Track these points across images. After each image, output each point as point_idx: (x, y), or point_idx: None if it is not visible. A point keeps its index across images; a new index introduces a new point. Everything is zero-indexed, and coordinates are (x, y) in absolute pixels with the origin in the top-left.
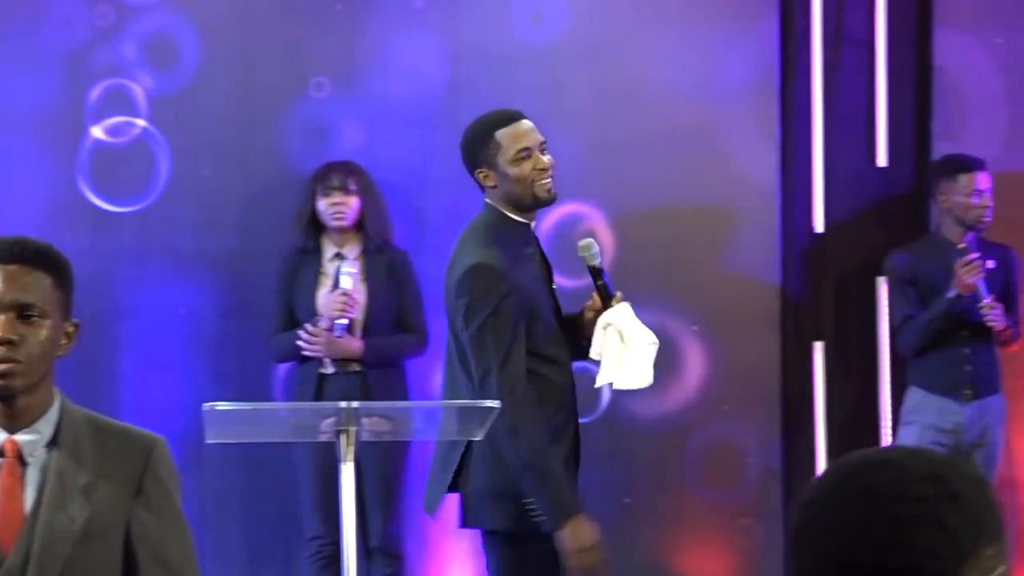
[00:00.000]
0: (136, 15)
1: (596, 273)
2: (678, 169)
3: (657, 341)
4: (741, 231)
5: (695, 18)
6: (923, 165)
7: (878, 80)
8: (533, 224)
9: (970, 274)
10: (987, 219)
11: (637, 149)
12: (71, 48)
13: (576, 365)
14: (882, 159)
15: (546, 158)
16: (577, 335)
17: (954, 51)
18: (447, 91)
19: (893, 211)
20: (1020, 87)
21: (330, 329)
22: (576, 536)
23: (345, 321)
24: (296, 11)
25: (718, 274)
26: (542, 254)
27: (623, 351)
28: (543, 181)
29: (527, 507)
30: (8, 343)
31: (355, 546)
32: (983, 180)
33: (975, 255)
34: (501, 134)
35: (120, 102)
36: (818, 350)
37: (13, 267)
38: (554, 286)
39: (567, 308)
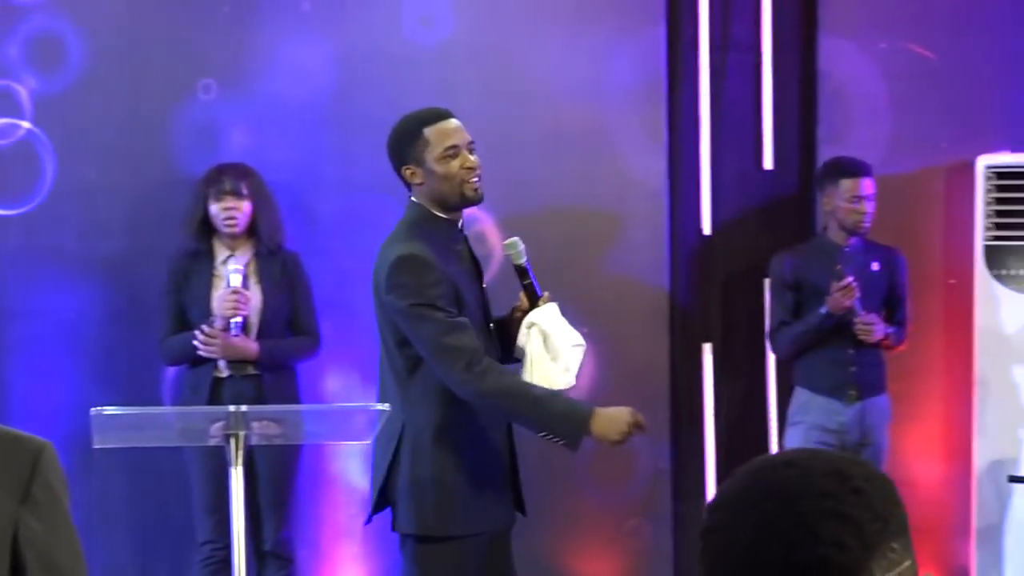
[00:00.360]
0: (21, 15)
1: (522, 272)
2: (567, 171)
3: (583, 343)
4: (630, 233)
5: (584, 22)
6: (808, 168)
7: (764, 84)
8: (460, 223)
9: (845, 297)
10: (867, 224)
11: (526, 151)
12: None
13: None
14: (768, 162)
15: (473, 157)
16: (508, 337)
17: (839, 57)
18: (335, 93)
19: (779, 213)
20: (903, 92)
21: (226, 329)
22: (605, 430)
23: (240, 319)
24: (183, 13)
25: (607, 276)
26: (471, 253)
27: (544, 352)
28: (471, 180)
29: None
30: None
31: (245, 550)
32: (865, 186)
33: (850, 279)
34: (430, 131)
35: (4, 104)
36: (706, 351)
37: None
38: (484, 286)
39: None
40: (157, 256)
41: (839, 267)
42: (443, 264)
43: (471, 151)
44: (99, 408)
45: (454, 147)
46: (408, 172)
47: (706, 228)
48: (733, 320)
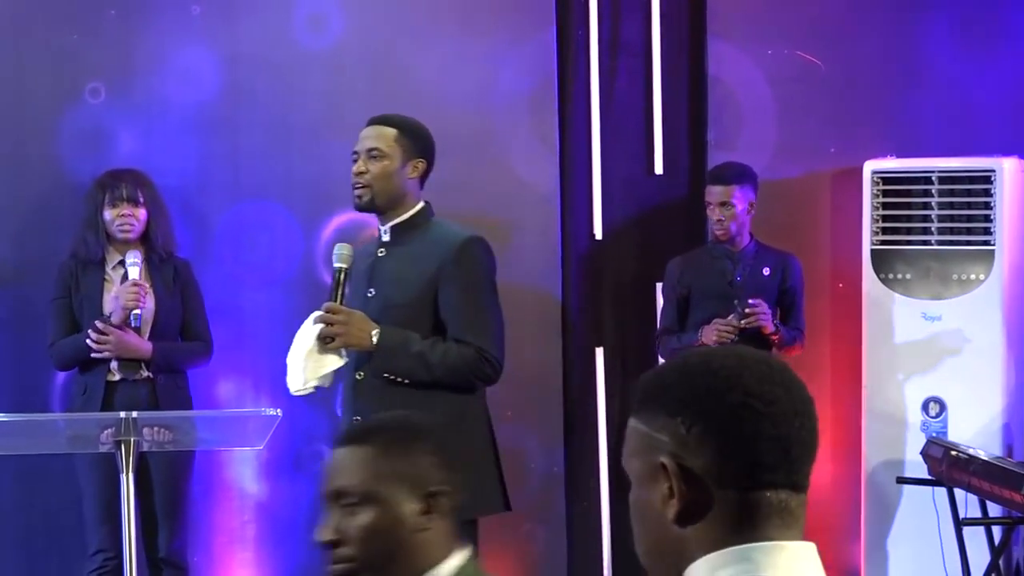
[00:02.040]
0: None
1: (336, 274)
2: (458, 176)
3: (297, 355)
4: (521, 238)
5: (473, 26)
6: (698, 173)
7: (654, 89)
8: (383, 227)
9: (720, 335)
10: (718, 232)
11: None
12: None
13: None
14: (659, 167)
15: (358, 166)
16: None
17: (727, 62)
18: (224, 97)
19: (670, 218)
20: (790, 97)
21: (126, 322)
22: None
23: (139, 311)
24: (69, 16)
25: (500, 281)
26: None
27: (291, 352)
28: (353, 186)
29: None
30: None
31: (137, 558)
32: (721, 193)
33: (731, 320)
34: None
35: None
36: (599, 355)
37: None
38: (370, 293)
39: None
40: (43, 263)
41: (739, 309)
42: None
43: (369, 158)
44: None
45: (354, 153)
46: None
47: (598, 233)
48: (625, 324)
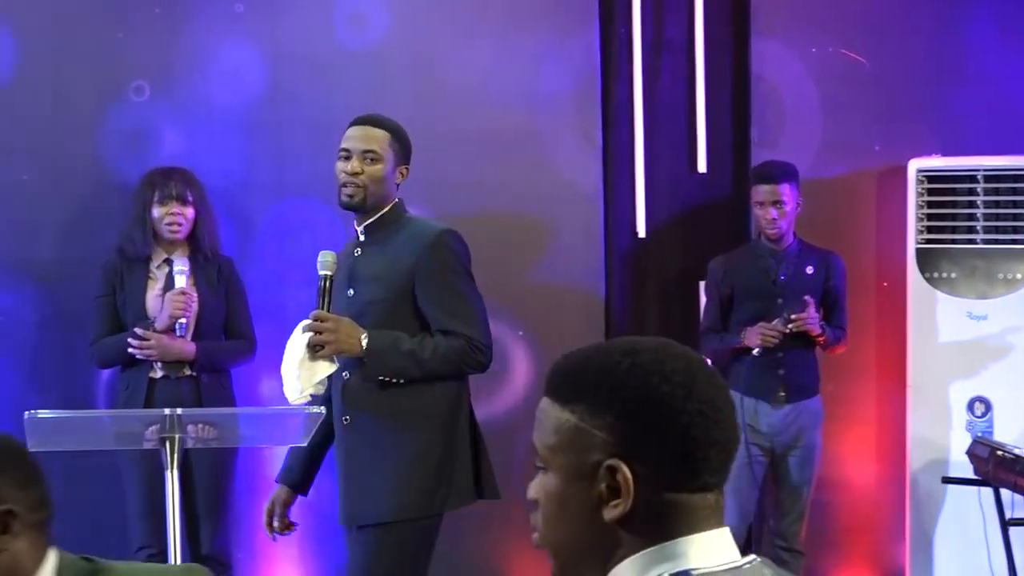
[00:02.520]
0: None
1: (321, 281)
2: (502, 175)
3: (294, 363)
4: (565, 236)
5: (516, 25)
6: (742, 171)
7: (698, 88)
8: (358, 227)
9: (764, 338)
10: (775, 230)
11: (460, 155)
12: None
13: None
14: (702, 165)
15: (352, 165)
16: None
17: (770, 60)
18: (268, 95)
19: (713, 216)
20: (835, 96)
21: (171, 329)
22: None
23: (184, 320)
24: (114, 14)
25: (542, 279)
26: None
27: (284, 363)
28: (343, 185)
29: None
30: None
31: (182, 554)
32: (771, 192)
33: (777, 324)
34: (346, 133)
35: None
36: None
37: None
38: (350, 293)
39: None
40: (88, 259)
41: (784, 314)
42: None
43: (364, 159)
44: (33, 412)
45: (345, 151)
46: None
47: (641, 231)
48: (668, 323)
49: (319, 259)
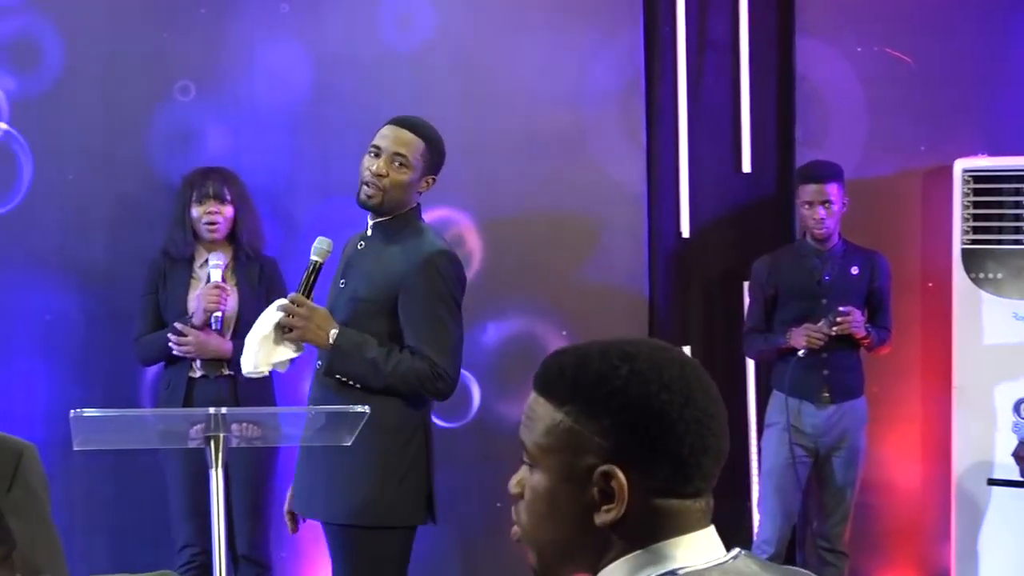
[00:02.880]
0: None
1: (309, 266)
2: (546, 175)
3: (255, 341)
4: (609, 235)
5: (561, 24)
6: (786, 171)
7: (742, 87)
8: (370, 221)
9: (809, 340)
10: (822, 230)
11: (504, 154)
12: None
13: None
14: (747, 165)
15: (380, 165)
16: None
17: (815, 59)
18: (313, 96)
19: (758, 216)
20: (880, 95)
21: (207, 324)
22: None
23: (219, 314)
24: (161, 14)
25: (586, 279)
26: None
27: (250, 334)
28: (366, 182)
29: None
30: None
31: (226, 553)
32: (818, 191)
33: (822, 327)
34: (380, 130)
35: None
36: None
37: None
38: (341, 283)
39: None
40: (134, 258)
41: (830, 316)
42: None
43: (392, 163)
44: (79, 410)
45: (376, 148)
46: None
47: (685, 231)
48: (712, 323)
49: (314, 244)
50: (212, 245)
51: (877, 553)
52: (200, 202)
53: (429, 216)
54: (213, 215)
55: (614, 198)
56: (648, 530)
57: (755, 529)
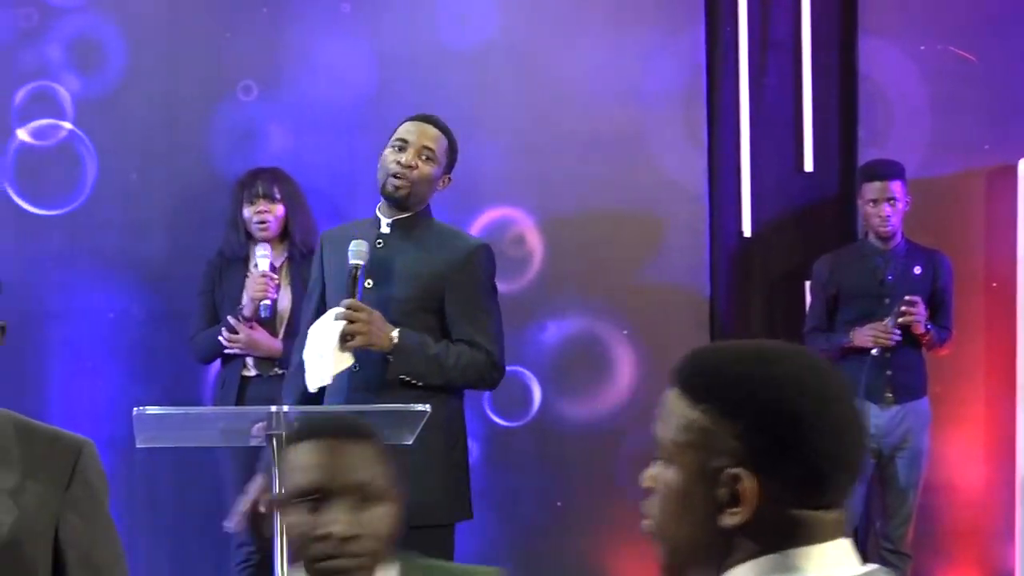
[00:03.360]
0: (61, 16)
1: (353, 271)
2: (606, 174)
3: (325, 351)
4: (670, 235)
5: (622, 23)
6: (848, 171)
7: (804, 86)
8: (385, 219)
9: (874, 339)
10: (887, 228)
11: (565, 153)
12: None
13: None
14: (809, 164)
15: (409, 158)
16: None
17: (878, 58)
18: (373, 95)
19: (820, 216)
20: (944, 94)
21: (256, 312)
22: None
23: (268, 302)
24: (223, 14)
25: (648, 278)
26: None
27: (306, 353)
28: (394, 174)
29: None
30: None
31: (288, 553)
32: (882, 189)
33: (887, 324)
34: (402, 126)
35: (46, 105)
36: None
37: None
38: (368, 284)
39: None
40: (196, 256)
41: (893, 315)
42: (334, 251)
43: (420, 156)
44: (141, 408)
45: (402, 140)
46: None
47: (747, 230)
48: (774, 323)
49: (352, 248)
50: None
51: (940, 554)
52: (251, 202)
53: (490, 215)
54: (263, 214)
55: (675, 198)
56: (777, 537)
57: None
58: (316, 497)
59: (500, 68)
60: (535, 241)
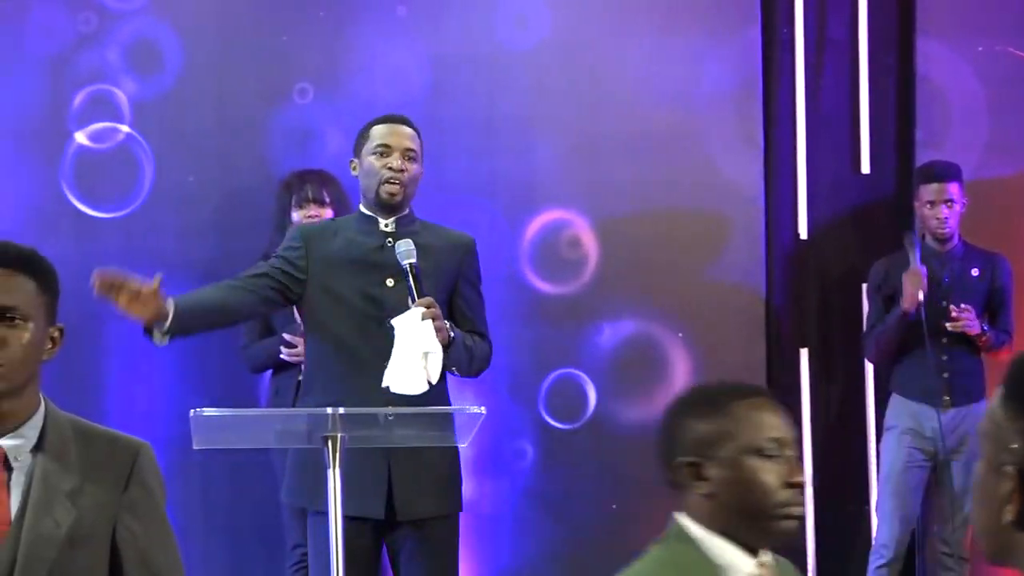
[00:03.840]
0: (119, 21)
1: (405, 273)
2: (662, 174)
3: (435, 349)
4: (726, 237)
5: (678, 23)
6: (905, 172)
7: (861, 87)
8: (385, 222)
9: (912, 284)
10: (943, 230)
11: (620, 154)
12: (55, 53)
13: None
14: (865, 166)
15: (398, 163)
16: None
17: (935, 59)
18: (429, 96)
19: (876, 217)
20: (1000, 94)
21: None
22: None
23: None
24: (279, 16)
25: (703, 280)
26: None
27: (395, 355)
28: (388, 181)
29: None
30: None
31: (343, 553)
32: (939, 191)
33: (920, 267)
34: (376, 129)
35: (104, 107)
36: (803, 356)
37: None
38: (389, 283)
39: (547, 315)
40: (252, 258)
41: (910, 246)
42: (326, 247)
43: (406, 158)
44: (198, 410)
45: (385, 146)
46: (352, 165)
47: (803, 232)
48: (830, 325)
49: (402, 248)
50: None
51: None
52: (300, 206)
53: (546, 217)
54: (313, 218)
55: (730, 199)
56: None
57: (873, 533)
58: None
59: (555, 69)
60: (590, 243)
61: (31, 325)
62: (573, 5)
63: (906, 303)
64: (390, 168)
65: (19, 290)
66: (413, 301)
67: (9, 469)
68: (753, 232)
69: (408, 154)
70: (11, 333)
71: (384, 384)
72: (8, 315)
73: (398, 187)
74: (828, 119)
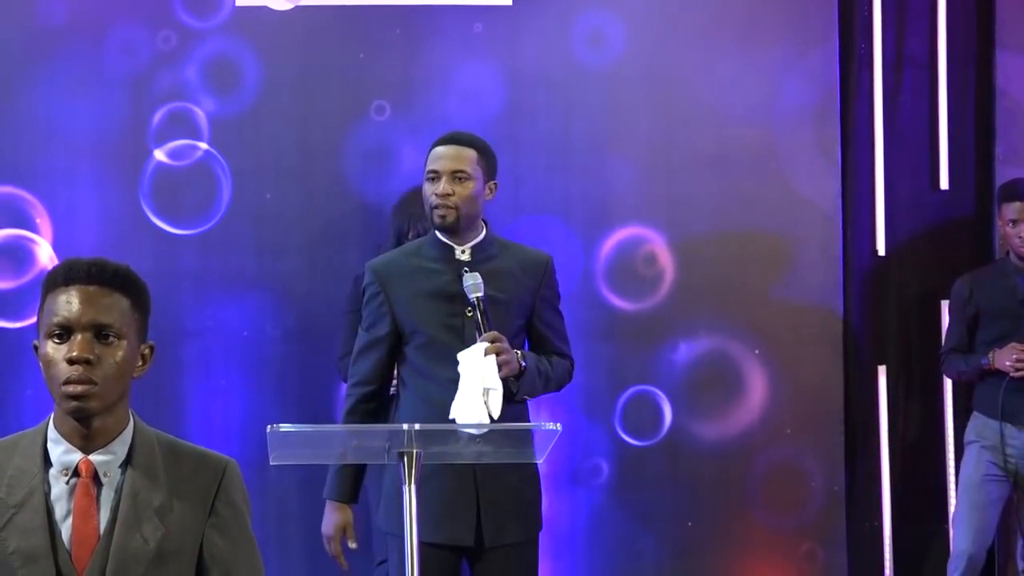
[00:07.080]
0: (198, 39)
1: (473, 307)
2: (739, 192)
3: (496, 386)
4: (803, 254)
5: (755, 41)
6: (985, 189)
7: (940, 103)
8: (460, 247)
9: (1012, 363)
10: (1023, 250)
11: (697, 172)
12: (135, 72)
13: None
14: (944, 182)
15: (445, 186)
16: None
17: (1015, 73)
18: (506, 114)
19: (955, 235)
20: None
21: None
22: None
23: None
24: (356, 35)
25: (780, 297)
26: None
27: (461, 390)
28: (436, 206)
29: None
30: (86, 363)
31: (419, 572)
32: (1020, 210)
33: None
34: (431, 154)
35: (183, 125)
36: (881, 373)
37: (92, 288)
38: (469, 312)
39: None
40: (329, 276)
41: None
42: (403, 284)
43: (454, 179)
44: (275, 425)
45: (433, 172)
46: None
47: (881, 249)
48: (909, 342)
49: (470, 282)
50: None
51: None
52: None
53: (622, 234)
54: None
55: (807, 216)
56: None
57: (951, 548)
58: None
59: (631, 87)
60: (666, 260)
61: (125, 343)
62: (649, 22)
63: (998, 366)
64: (436, 194)
65: (114, 308)
66: (480, 335)
67: (99, 485)
68: (831, 249)
69: (457, 175)
70: (106, 351)
71: (450, 416)
72: (104, 333)
73: (447, 211)
74: (906, 135)
